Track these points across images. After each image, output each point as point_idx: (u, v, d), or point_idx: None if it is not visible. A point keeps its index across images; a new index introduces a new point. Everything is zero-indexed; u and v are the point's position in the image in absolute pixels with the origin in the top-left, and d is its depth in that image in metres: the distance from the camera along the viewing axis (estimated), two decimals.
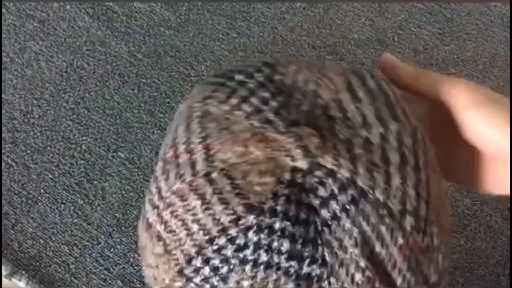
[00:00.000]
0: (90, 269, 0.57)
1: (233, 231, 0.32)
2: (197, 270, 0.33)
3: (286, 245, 0.31)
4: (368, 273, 0.31)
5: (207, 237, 0.32)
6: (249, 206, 0.32)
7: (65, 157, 0.62)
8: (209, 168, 0.33)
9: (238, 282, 0.32)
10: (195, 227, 0.33)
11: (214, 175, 0.33)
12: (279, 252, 0.31)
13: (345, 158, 0.33)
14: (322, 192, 0.32)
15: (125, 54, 0.69)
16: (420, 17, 0.71)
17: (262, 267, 0.32)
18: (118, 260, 0.57)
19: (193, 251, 0.33)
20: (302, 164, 0.33)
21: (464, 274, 0.56)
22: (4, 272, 0.56)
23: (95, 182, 0.61)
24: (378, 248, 0.32)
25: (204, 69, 0.68)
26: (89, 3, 0.72)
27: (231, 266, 0.32)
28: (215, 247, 0.32)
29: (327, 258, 0.32)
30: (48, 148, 0.63)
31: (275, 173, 0.32)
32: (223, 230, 0.32)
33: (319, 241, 0.32)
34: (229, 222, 0.32)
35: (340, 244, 0.32)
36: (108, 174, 0.61)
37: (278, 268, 0.32)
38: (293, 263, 0.31)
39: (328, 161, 0.33)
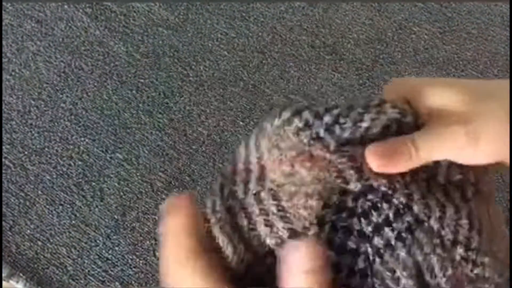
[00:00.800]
0: (88, 271, 0.56)
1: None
2: None
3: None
4: None
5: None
6: (292, 232, 0.30)
7: (63, 158, 0.62)
8: (259, 187, 0.31)
9: None
10: (240, 247, 0.31)
11: (263, 194, 0.31)
12: None
13: (400, 183, 0.31)
14: (375, 217, 0.30)
15: (123, 54, 0.68)
16: (420, 16, 0.71)
17: None
18: (117, 261, 0.57)
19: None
20: (355, 186, 0.30)
21: None
22: (2, 274, 0.56)
23: (93, 183, 0.60)
24: (427, 277, 0.30)
25: (203, 69, 0.67)
26: (87, 3, 0.71)
27: None
28: None
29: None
30: (46, 149, 0.62)
31: (322, 196, 0.30)
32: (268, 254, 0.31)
33: (369, 272, 0.30)
34: (275, 244, 0.30)
35: (392, 276, 0.30)
36: (106, 175, 0.61)
37: None
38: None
39: (382, 184, 0.30)
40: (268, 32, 0.70)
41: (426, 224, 0.30)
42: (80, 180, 0.61)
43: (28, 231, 0.58)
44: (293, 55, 0.68)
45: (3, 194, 0.60)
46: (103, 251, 0.57)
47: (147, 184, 0.60)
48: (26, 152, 0.62)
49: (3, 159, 0.62)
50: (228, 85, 0.66)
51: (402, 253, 0.30)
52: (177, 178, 0.61)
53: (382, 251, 0.30)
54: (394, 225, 0.30)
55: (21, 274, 0.56)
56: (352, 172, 0.31)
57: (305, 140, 0.31)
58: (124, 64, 0.68)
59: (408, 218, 0.30)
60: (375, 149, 0.32)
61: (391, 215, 0.30)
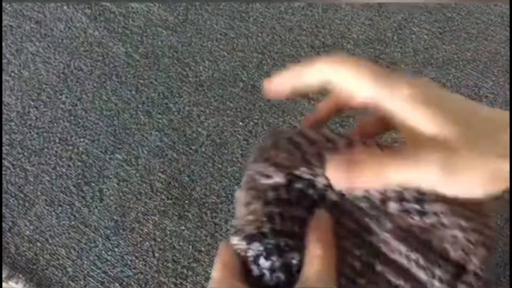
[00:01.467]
0: (88, 272, 0.56)
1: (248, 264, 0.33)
2: None
3: (297, 259, 0.32)
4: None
5: None
6: (250, 237, 0.32)
7: (62, 159, 0.62)
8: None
9: None
10: None
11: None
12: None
13: (319, 167, 0.34)
14: (306, 203, 0.34)
15: (122, 54, 0.68)
16: (420, 17, 0.71)
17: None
18: (116, 263, 0.57)
19: None
20: (279, 178, 0.34)
21: None
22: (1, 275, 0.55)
23: (93, 184, 0.60)
24: (366, 237, 0.33)
25: (202, 69, 0.67)
26: (86, 4, 0.71)
27: None
28: None
29: None
30: (45, 150, 0.62)
31: (259, 197, 0.34)
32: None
33: None
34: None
35: None
36: (106, 176, 0.61)
37: None
38: None
39: (304, 172, 0.34)
40: (267, 33, 0.70)
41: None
42: (80, 181, 0.61)
43: (27, 232, 0.58)
44: (292, 55, 0.68)
45: (2, 195, 0.60)
46: (103, 252, 0.57)
47: (147, 184, 0.60)
48: (25, 153, 0.62)
49: (2, 160, 0.62)
50: (228, 85, 0.66)
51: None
52: (176, 178, 0.60)
53: None
54: (322, 205, 0.34)
55: (20, 275, 0.56)
56: (271, 168, 0.34)
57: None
58: (123, 64, 0.68)
59: (331, 196, 0.34)
60: (336, 162, 0.32)
61: (317, 198, 0.34)
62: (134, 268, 0.56)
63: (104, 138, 0.63)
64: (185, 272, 0.56)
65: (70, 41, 0.69)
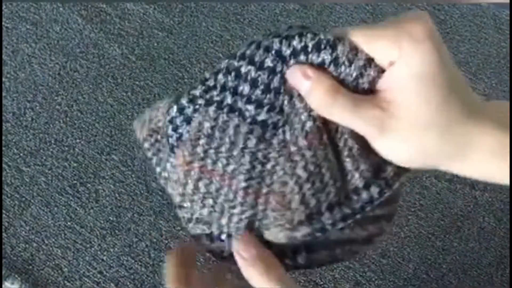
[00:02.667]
0: (83, 272, 0.56)
1: (207, 74, 0.34)
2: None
3: (247, 89, 0.33)
4: (318, 122, 0.32)
5: None
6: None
7: (58, 160, 0.62)
8: None
9: (200, 123, 0.33)
10: None
11: None
12: (242, 96, 0.33)
13: None
14: (296, 42, 0.32)
15: (118, 56, 0.68)
16: None
17: (225, 110, 0.33)
18: (112, 263, 0.57)
19: None
20: None
21: (458, 275, 0.56)
22: None
23: (89, 185, 0.61)
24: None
25: (198, 71, 0.68)
26: (82, 5, 0.71)
27: (196, 107, 0.33)
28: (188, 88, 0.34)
29: (285, 107, 0.33)
30: (41, 151, 0.63)
31: None
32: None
33: (281, 90, 0.33)
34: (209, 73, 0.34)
35: (299, 93, 0.33)
36: (102, 177, 0.61)
37: (240, 114, 0.33)
38: (251, 107, 0.33)
39: None
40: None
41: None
42: (75, 181, 0.61)
43: (23, 232, 0.58)
44: None
45: None
46: (98, 252, 0.57)
47: (142, 185, 0.60)
48: (21, 154, 0.62)
49: None
50: None
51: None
52: None
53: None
54: (310, 56, 0.32)
55: (16, 276, 0.56)
56: None
57: None
58: (119, 66, 0.68)
59: (325, 55, 0.32)
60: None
61: (310, 45, 0.32)
62: (129, 269, 0.56)
63: (100, 139, 0.63)
64: None
65: (66, 43, 0.69)
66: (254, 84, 0.33)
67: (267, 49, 0.33)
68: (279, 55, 0.33)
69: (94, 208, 0.59)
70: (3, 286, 0.56)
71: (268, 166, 0.33)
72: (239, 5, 0.72)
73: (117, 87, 0.66)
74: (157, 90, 0.66)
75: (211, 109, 0.33)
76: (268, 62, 0.33)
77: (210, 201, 0.34)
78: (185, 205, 0.35)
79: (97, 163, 0.62)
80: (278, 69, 0.33)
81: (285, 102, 0.33)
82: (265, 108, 0.33)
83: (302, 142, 0.33)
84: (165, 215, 0.59)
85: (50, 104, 0.65)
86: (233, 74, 0.33)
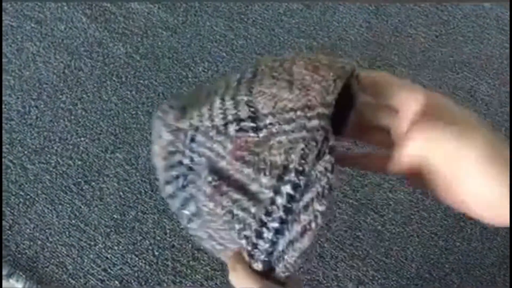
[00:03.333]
0: (88, 270, 0.57)
1: None
2: None
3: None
4: (214, 183, 0.36)
5: None
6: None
7: (62, 158, 0.62)
8: None
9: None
10: None
11: None
12: None
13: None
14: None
15: (122, 55, 0.69)
16: (417, 20, 0.72)
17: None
18: (116, 261, 0.57)
19: None
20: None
21: (460, 275, 0.56)
22: (2, 273, 0.56)
23: (93, 183, 0.61)
24: (220, 164, 0.36)
25: (202, 70, 0.68)
26: (87, 4, 0.72)
27: None
28: None
29: (191, 190, 0.37)
30: (46, 149, 0.63)
31: None
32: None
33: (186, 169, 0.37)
34: None
35: (194, 172, 0.37)
36: (106, 175, 0.61)
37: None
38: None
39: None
40: (266, 34, 0.70)
41: (202, 128, 0.37)
42: (80, 180, 0.61)
43: (28, 230, 0.58)
44: None
45: (3, 193, 0.60)
46: (103, 250, 0.57)
47: (146, 184, 0.61)
48: (26, 152, 0.63)
49: (3, 159, 0.62)
50: None
51: (196, 157, 0.37)
52: None
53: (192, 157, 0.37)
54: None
55: (21, 273, 0.56)
56: None
57: None
58: (123, 65, 0.68)
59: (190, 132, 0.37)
60: None
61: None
62: (134, 266, 0.57)
63: (104, 137, 0.63)
64: (185, 270, 0.56)
65: (71, 41, 0.69)
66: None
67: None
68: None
69: (98, 206, 0.60)
70: (8, 283, 0.56)
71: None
72: (243, 5, 0.72)
73: (121, 86, 0.67)
74: (161, 89, 0.66)
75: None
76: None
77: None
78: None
79: (101, 161, 0.62)
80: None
81: (189, 184, 0.37)
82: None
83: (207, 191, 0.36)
84: (169, 214, 0.59)
85: (55, 103, 0.66)
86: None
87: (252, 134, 0.36)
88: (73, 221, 0.59)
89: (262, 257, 0.35)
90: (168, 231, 0.58)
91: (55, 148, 0.63)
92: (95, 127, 0.64)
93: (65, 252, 0.57)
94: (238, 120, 0.36)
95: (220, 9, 0.72)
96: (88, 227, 0.59)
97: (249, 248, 0.35)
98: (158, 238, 0.58)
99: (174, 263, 0.56)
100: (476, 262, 0.57)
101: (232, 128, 0.36)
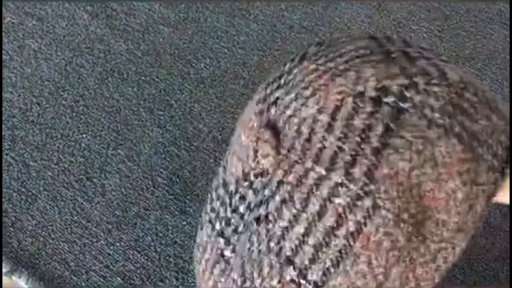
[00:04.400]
0: (90, 266, 0.57)
1: None
2: None
3: None
4: None
5: None
6: None
7: (64, 155, 0.62)
8: None
9: None
10: None
11: None
12: None
13: None
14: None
15: (124, 52, 0.69)
16: (419, 15, 0.71)
17: None
18: (118, 257, 0.57)
19: None
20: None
21: (464, 270, 0.56)
22: (3, 270, 0.56)
23: (95, 179, 0.61)
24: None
25: (204, 66, 0.68)
26: (88, 1, 0.72)
27: None
28: None
29: None
30: (48, 145, 0.63)
31: None
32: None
33: None
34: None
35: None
36: (108, 172, 0.61)
37: None
38: None
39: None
40: (268, 30, 0.70)
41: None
42: (82, 176, 0.61)
43: (30, 227, 0.58)
44: (293, 53, 0.68)
45: (5, 190, 0.60)
46: (105, 246, 0.57)
47: (148, 180, 0.61)
48: (28, 149, 0.63)
49: (5, 156, 0.62)
50: (229, 82, 0.67)
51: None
52: (178, 174, 0.61)
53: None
54: None
55: (23, 270, 0.56)
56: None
57: None
58: (125, 61, 0.68)
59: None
60: None
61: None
62: (136, 263, 0.57)
63: (106, 134, 0.63)
64: (187, 266, 0.56)
65: (72, 38, 0.69)
66: None
67: None
68: None
69: (100, 203, 0.60)
70: (10, 279, 0.56)
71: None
72: (245, 1, 0.72)
73: (123, 83, 0.67)
74: (162, 85, 0.66)
75: None
76: None
77: None
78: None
79: (103, 157, 0.62)
80: None
81: None
82: None
83: None
84: (171, 210, 0.59)
85: (57, 100, 0.66)
86: None
87: None
88: (75, 218, 0.59)
89: None
90: (170, 227, 0.58)
91: (57, 145, 0.63)
92: (96, 124, 0.64)
93: (67, 249, 0.57)
94: None
95: (221, 5, 0.72)
96: (90, 223, 0.59)
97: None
98: (161, 234, 0.58)
99: (176, 260, 0.56)
100: (479, 257, 0.57)
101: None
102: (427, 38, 0.70)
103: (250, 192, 0.35)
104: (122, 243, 0.58)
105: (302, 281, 0.32)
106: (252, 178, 0.35)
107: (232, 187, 0.37)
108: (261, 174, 0.35)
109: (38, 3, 0.71)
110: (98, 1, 0.72)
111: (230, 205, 0.36)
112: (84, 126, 0.64)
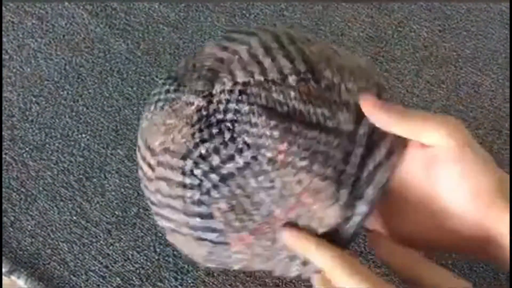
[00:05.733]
0: (89, 266, 0.57)
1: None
2: None
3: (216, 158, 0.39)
4: (282, 125, 0.37)
5: None
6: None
7: (64, 155, 0.62)
8: None
9: None
10: None
11: None
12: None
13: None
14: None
15: (124, 51, 0.68)
16: (420, 14, 0.71)
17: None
18: (117, 257, 0.57)
19: None
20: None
21: (463, 271, 0.56)
22: (3, 270, 0.56)
23: (94, 179, 0.61)
24: (283, 109, 0.37)
25: None
26: (88, 0, 0.71)
27: None
28: None
29: (247, 140, 0.37)
30: (47, 145, 0.63)
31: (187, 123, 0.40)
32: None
33: (235, 135, 0.38)
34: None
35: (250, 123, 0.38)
36: (107, 172, 0.61)
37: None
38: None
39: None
40: None
41: (252, 81, 0.39)
42: (81, 176, 0.61)
43: (29, 227, 0.58)
44: None
45: (4, 190, 0.60)
46: (104, 247, 0.57)
47: None
48: (27, 148, 0.62)
49: (4, 155, 0.62)
50: None
51: (245, 107, 0.38)
52: None
53: (235, 118, 0.38)
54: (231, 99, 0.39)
55: (22, 270, 0.56)
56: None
57: None
58: (124, 61, 0.68)
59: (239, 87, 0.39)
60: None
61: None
62: (135, 263, 0.56)
63: (105, 134, 0.63)
64: (186, 267, 0.56)
65: (72, 37, 0.69)
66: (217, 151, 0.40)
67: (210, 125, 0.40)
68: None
69: (100, 203, 0.59)
70: (9, 280, 0.56)
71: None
72: (245, 0, 0.72)
73: (122, 82, 0.67)
74: None
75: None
76: (215, 131, 0.39)
77: None
78: None
79: (102, 157, 0.62)
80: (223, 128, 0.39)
81: (245, 138, 0.38)
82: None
83: None
84: None
85: (56, 99, 0.65)
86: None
87: (314, 84, 0.38)
88: (75, 218, 0.59)
89: (350, 181, 0.37)
90: None
91: (57, 144, 0.63)
92: (96, 124, 0.64)
93: (66, 249, 0.57)
94: (298, 72, 0.38)
95: (221, 4, 0.71)
96: (89, 223, 0.59)
97: (336, 175, 0.37)
98: (160, 234, 0.58)
99: (175, 260, 0.56)
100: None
101: (291, 79, 0.37)
102: (428, 38, 0.69)
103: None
104: (122, 243, 0.57)
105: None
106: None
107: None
108: None
109: (38, 2, 0.71)
110: (98, 0, 0.71)
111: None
112: (83, 125, 0.64)
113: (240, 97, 0.38)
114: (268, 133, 0.37)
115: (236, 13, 0.71)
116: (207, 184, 0.38)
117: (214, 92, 0.39)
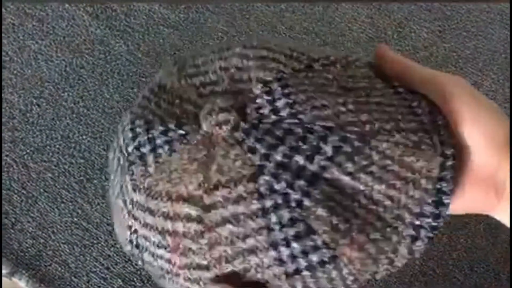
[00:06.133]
0: (90, 268, 0.57)
1: None
2: None
3: None
4: None
5: None
6: None
7: (64, 156, 0.62)
8: None
9: None
10: None
11: None
12: None
13: None
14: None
15: (124, 53, 0.69)
16: (420, 15, 0.71)
17: None
18: (118, 259, 0.57)
19: None
20: None
21: (464, 272, 0.56)
22: (4, 272, 0.56)
23: (95, 181, 0.61)
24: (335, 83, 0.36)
25: None
26: (88, 2, 0.72)
27: None
28: None
29: (323, 124, 0.33)
30: (48, 147, 0.63)
31: None
32: None
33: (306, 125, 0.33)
34: None
35: None
36: (108, 173, 0.61)
37: None
38: None
39: None
40: (268, 31, 0.70)
41: None
42: (82, 178, 0.61)
43: (30, 228, 0.58)
44: None
45: (5, 191, 0.60)
46: (105, 248, 0.57)
47: None
48: (28, 150, 0.63)
49: (5, 157, 0.62)
50: None
51: None
52: None
53: None
54: None
55: (23, 271, 0.56)
56: None
57: None
58: (125, 62, 0.68)
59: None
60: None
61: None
62: (136, 264, 0.57)
63: (106, 135, 0.63)
64: None
65: (72, 39, 0.69)
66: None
67: None
68: None
69: (100, 204, 0.60)
70: (10, 281, 0.56)
71: None
72: (245, 2, 0.72)
73: (123, 84, 0.67)
74: None
75: None
76: None
77: None
78: None
79: (103, 159, 0.62)
80: None
81: None
82: None
83: None
84: None
85: (57, 101, 0.66)
86: None
87: (338, 66, 0.38)
88: (76, 219, 0.59)
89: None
90: None
91: (57, 146, 0.63)
92: (97, 125, 0.64)
93: (67, 251, 0.57)
94: (314, 60, 0.36)
95: (221, 5, 0.72)
96: (90, 225, 0.59)
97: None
98: None
99: None
100: (480, 259, 0.57)
101: (316, 65, 0.36)
102: (428, 39, 0.69)
103: None
104: None
105: None
106: None
107: None
108: None
109: (38, 4, 0.71)
110: (98, 2, 0.72)
111: None
112: (84, 127, 0.64)
113: (285, 90, 0.32)
114: (342, 109, 0.31)
115: (236, 15, 0.71)
116: (294, 195, 0.30)
117: (240, 102, 0.32)
